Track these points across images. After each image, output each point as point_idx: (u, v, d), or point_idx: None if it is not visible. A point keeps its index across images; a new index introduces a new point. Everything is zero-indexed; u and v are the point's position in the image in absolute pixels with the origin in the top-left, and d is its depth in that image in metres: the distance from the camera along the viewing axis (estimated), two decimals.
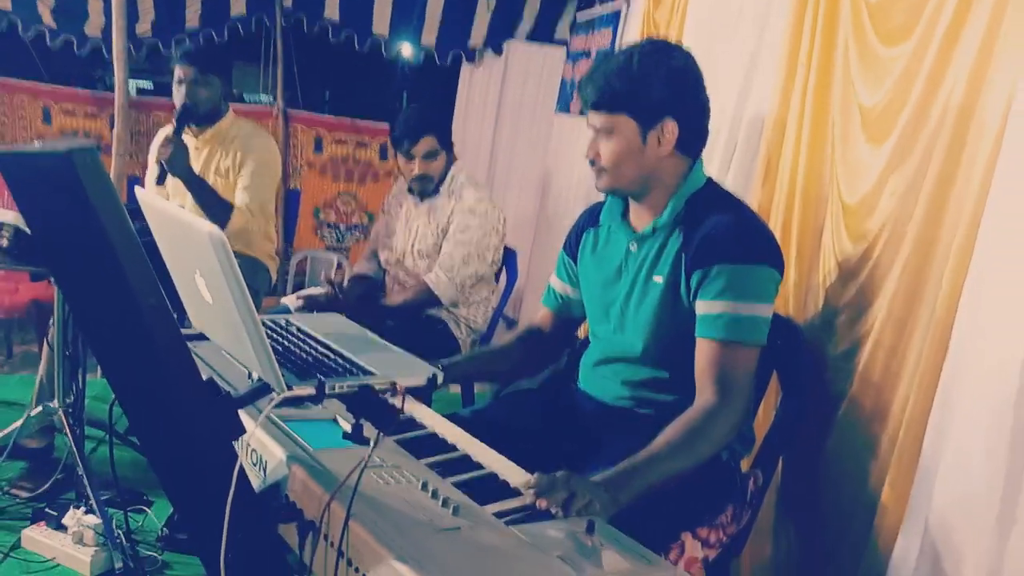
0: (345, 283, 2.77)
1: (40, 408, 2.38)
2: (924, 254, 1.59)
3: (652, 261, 1.65)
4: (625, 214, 1.74)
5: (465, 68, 5.00)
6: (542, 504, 1.22)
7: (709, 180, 1.68)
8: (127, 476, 2.53)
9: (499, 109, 4.95)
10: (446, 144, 2.78)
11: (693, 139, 1.63)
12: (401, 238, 2.86)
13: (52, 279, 2.31)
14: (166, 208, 1.30)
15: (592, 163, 1.65)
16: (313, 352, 1.44)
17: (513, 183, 4.84)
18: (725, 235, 1.55)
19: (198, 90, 2.90)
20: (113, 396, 1.36)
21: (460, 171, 2.83)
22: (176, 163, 2.74)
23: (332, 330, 1.61)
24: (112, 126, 4.41)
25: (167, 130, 2.86)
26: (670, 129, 1.58)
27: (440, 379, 1.44)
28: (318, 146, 5.10)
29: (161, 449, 1.31)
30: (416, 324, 2.68)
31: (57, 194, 1.15)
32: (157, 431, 1.29)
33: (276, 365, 1.18)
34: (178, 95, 2.90)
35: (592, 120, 1.63)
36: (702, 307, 1.55)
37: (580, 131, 4.14)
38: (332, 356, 1.42)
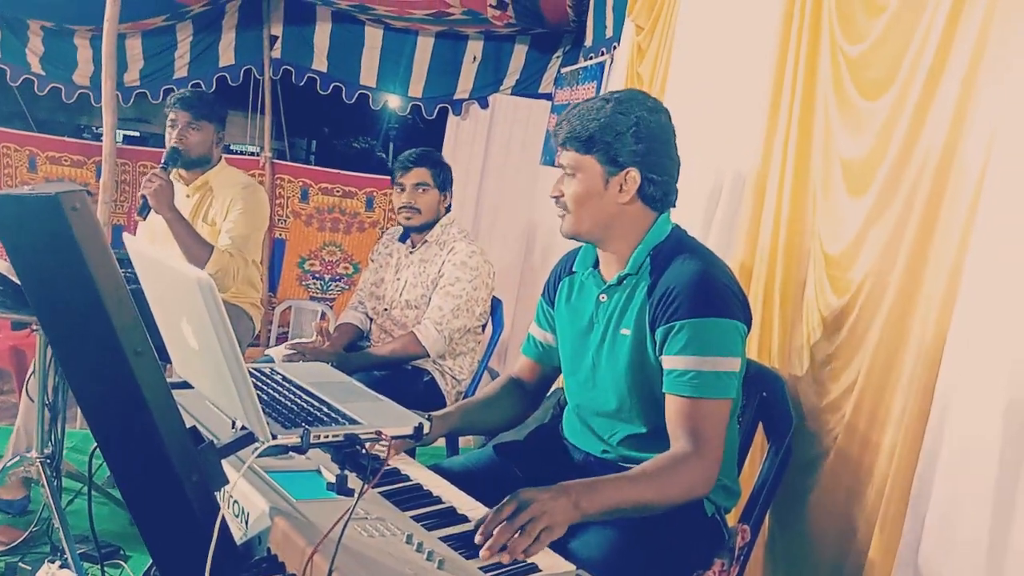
0: (332, 332, 2.76)
1: (16, 458, 2.33)
2: (907, 304, 1.60)
3: (620, 313, 1.64)
4: (597, 263, 1.74)
5: (451, 120, 5.07)
6: (485, 552, 1.22)
7: (675, 229, 1.68)
8: (104, 529, 2.48)
9: (484, 161, 5.01)
10: (439, 183, 2.79)
11: (657, 193, 1.62)
12: (390, 288, 2.86)
13: (33, 327, 2.29)
14: (154, 254, 1.29)
15: (556, 202, 1.66)
16: (298, 401, 1.42)
17: (497, 234, 4.88)
18: (687, 289, 1.53)
19: (189, 134, 2.91)
20: (93, 447, 1.34)
21: (453, 223, 2.85)
22: (160, 199, 2.74)
23: (317, 379, 1.59)
24: (98, 174, 4.42)
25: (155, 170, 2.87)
26: (632, 178, 1.59)
27: (427, 428, 1.42)
28: (304, 196, 5.13)
29: (142, 498, 1.29)
30: (402, 375, 2.66)
31: (45, 238, 1.14)
32: (139, 480, 1.26)
33: (261, 413, 1.16)
34: (169, 137, 2.92)
35: (562, 159, 1.65)
36: (668, 362, 1.55)
37: None
38: (317, 405, 1.40)
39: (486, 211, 5.00)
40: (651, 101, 1.63)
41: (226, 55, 4.87)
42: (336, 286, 5.19)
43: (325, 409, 1.39)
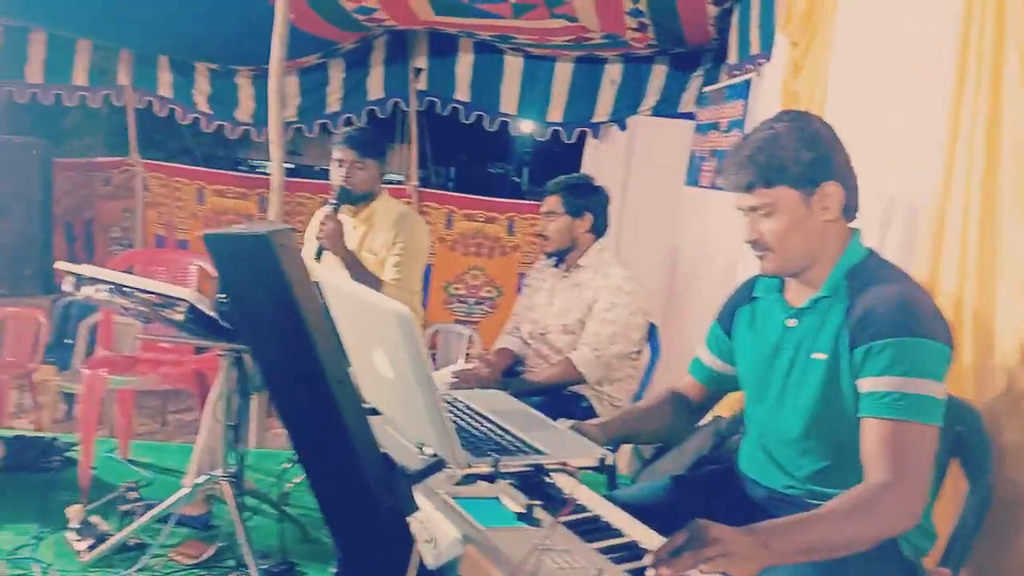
0: (492, 357, 2.79)
1: (207, 476, 2.48)
2: None
3: (812, 337, 1.58)
4: (781, 288, 1.70)
5: (589, 143, 5.08)
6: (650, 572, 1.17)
7: (870, 252, 1.63)
8: (278, 545, 2.59)
9: (625, 184, 4.96)
10: (571, 210, 2.80)
11: (854, 202, 1.60)
12: (545, 312, 2.88)
13: (219, 352, 2.43)
14: (349, 287, 1.36)
15: (754, 245, 1.61)
16: (483, 429, 1.45)
17: (639, 258, 4.81)
18: (890, 308, 1.47)
19: (356, 173, 3.01)
20: (282, 466, 1.41)
21: (605, 248, 2.85)
22: (335, 241, 2.87)
23: (497, 407, 1.62)
24: (260, 206, 4.69)
25: (325, 210, 2.98)
26: (831, 191, 1.55)
27: (609, 460, 1.41)
28: (449, 222, 5.26)
29: (341, 519, 1.34)
30: (560, 400, 2.67)
31: (256, 272, 1.21)
32: (338, 502, 1.32)
33: (457, 442, 1.19)
34: (336, 176, 3.02)
35: (746, 202, 1.59)
36: (867, 384, 1.46)
37: (710, 204, 4.09)
38: (501, 433, 1.42)
39: (627, 234, 4.96)
40: (810, 115, 1.63)
41: (375, 89, 5.07)
42: (480, 309, 5.28)
43: (509, 438, 1.41)
